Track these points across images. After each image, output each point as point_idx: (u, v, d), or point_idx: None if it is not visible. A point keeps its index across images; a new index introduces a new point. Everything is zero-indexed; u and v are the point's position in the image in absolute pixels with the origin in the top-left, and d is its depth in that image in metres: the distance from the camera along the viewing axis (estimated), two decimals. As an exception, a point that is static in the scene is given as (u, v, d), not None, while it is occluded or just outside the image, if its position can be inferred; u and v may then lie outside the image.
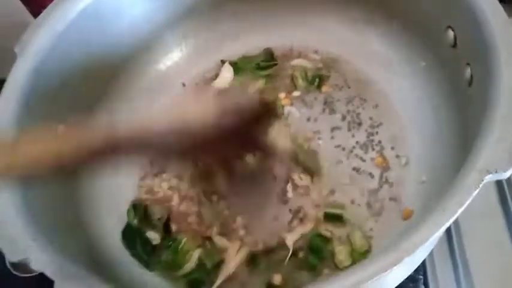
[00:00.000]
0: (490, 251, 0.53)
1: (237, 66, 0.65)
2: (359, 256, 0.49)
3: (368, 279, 0.31)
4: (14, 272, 0.59)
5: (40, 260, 0.39)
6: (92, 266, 0.46)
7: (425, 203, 0.49)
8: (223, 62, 0.65)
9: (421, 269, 0.51)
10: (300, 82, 0.62)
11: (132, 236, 0.53)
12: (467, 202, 0.33)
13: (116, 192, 0.57)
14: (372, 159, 0.55)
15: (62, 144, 0.38)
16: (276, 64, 0.64)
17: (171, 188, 0.57)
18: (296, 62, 0.64)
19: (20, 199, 0.43)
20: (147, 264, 0.52)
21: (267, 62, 0.65)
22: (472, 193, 0.33)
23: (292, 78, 0.63)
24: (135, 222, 0.55)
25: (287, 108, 0.60)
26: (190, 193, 0.56)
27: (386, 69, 0.60)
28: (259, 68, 0.64)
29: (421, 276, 0.51)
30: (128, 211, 0.56)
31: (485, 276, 0.51)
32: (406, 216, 0.50)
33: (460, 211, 0.32)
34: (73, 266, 0.40)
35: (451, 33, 0.49)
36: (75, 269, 0.39)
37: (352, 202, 0.53)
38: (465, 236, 0.54)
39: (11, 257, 0.38)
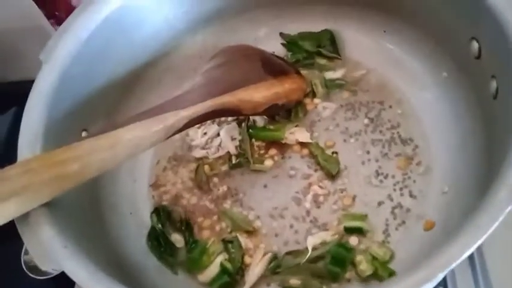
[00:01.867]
0: (510, 259, 0.52)
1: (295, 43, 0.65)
2: (381, 265, 0.49)
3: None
4: (31, 275, 0.60)
5: (72, 267, 0.39)
6: (117, 272, 0.47)
7: (447, 214, 0.50)
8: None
9: (442, 283, 0.51)
10: (320, 89, 0.62)
11: (157, 239, 0.55)
12: (501, 218, 0.33)
13: (134, 199, 0.59)
14: (394, 166, 0.55)
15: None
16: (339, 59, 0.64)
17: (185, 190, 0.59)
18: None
19: (48, 208, 0.43)
20: (172, 267, 0.53)
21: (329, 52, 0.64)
22: (505, 209, 0.33)
23: (312, 85, 0.63)
24: (159, 226, 0.55)
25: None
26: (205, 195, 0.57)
27: (409, 78, 0.60)
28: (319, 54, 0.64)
29: (442, 287, 0.51)
30: (151, 215, 0.57)
31: (506, 285, 0.51)
32: (428, 227, 0.51)
33: (494, 227, 0.32)
34: (103, 272, 0.40)
35: (475, 44, 0.49)
36: (104, 275, 0.40)
37: (372, 209, 0.53)
38: (485, 244, 0.54)
39: (43, 265, 0.38)
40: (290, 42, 0.66)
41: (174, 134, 0.49)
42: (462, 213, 0.47)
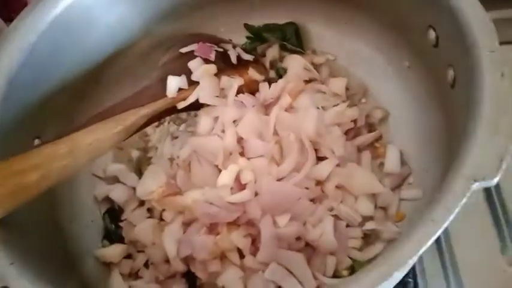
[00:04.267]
0: (478, 251, 0.53)
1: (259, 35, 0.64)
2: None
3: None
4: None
5: (18, 285, 0.37)
6: (73, 283, 0.46)
7: (415, 206, 0.49)
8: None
9: (411, 272, 0.51)
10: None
11: (110, 239, 0.54)
12: (456, 211, 0.32)
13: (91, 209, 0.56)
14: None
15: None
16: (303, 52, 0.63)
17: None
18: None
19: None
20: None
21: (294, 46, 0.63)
22: (460, 202, 0.32)
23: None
24: (111, 225, 0.55)
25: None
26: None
27: (370, 68, 0.60)
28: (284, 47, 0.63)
29: (411, 280, 0.51)
30: (104, 215, 0.56)
31: (475, 276, 0.51)
32: (399, 218, 0.51)
33: (448, 221, 0.32)
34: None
35: (432, 33, 0.48)
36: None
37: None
38: (453, 237, 0.54)
39: (-13, 285, 0.37)
40: (254, 34, 0.65)
41: (134, 133, 0.48)
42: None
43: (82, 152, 0.43)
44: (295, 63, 0.61)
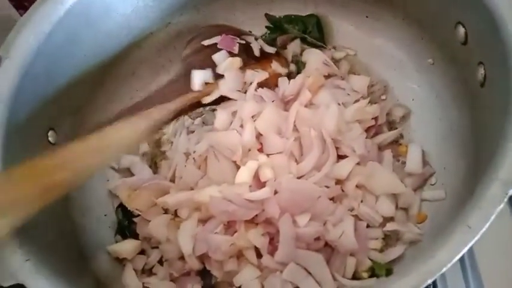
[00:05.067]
0: (500, 262, 0.51)
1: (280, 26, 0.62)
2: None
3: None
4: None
5: (33, 282, 0.36)
6: (86, 279, 0.45)
7: (437, 207, 0.48)
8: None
9: (431, 283, 0.49)
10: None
11: (122, 233, 0.53)
12: (492, 218, 0.31)
13: (108, 200, 0.56)
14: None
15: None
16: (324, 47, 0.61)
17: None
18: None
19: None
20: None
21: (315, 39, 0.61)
22: (497, 208, 0.31)
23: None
24: (125, 220, 0.54)
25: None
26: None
27: (391, 64, 0.58)
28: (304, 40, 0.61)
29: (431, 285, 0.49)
30: (117, 210, 0.55)
31: (497, 285, 0.50)
32: (421, 219, 0.49)
33: (485, 227, 0.30)
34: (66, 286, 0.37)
35: (461, 29, 0.47)
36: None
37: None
38: (477, 252, 0.52)
39: (3, 281, 0.36)
40: (275, 25, 0.63)
41: (160, 128, 0.48)
42: (451, 206, 0.46)
43: (111, 149, 0.43)
44: (314, 58, 0.59)
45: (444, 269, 0.30)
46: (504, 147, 0.34)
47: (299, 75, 0.56)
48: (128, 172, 0.56)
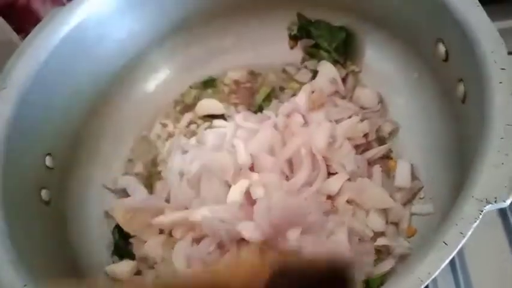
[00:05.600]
0: (491, 265, 0.52)
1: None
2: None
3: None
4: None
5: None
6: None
7: (427, 221, 0.49)
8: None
9: None
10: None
11: (120, 255, 0.54)
12: (468, 234, 0.32)
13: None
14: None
15: None
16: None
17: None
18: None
19: (9, 241, 0.42)
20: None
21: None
22: (473, 225, 0.32)
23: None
24: (121, 241, 0.54)
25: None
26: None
27: (380, 79, 0.59)
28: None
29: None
30: (113, 231, 0.55)
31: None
32: (410, 233, 0.50)
33: (461, 244, 0.31)
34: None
35: (441, 47, 0.48)
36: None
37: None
38: (466, 250, 0.53)
39: (1, 306, 0.37)
40: (303, 27, 0.62)
41: None
42: (440, 220, 0.47)
43: None
44: (325, 73, 0.59)
45: (422, 286, 0.31)
46: (479, 164, 0.35)
47: (300, 92, 0.58)
48: (124, 193, 0.57)
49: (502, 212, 0.54)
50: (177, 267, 0.48)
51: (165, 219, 0.51)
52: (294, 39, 0.64)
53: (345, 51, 0.61)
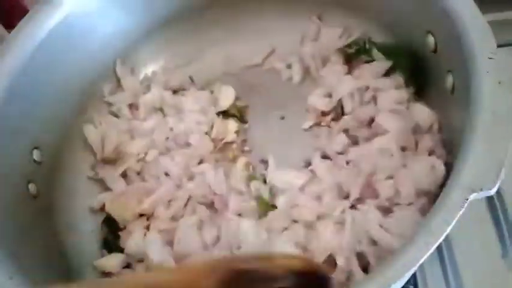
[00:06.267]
0: (480, 257, 0.52)
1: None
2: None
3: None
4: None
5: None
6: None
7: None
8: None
9: (412, 278, 0.51)
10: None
11: (109, 248, 0.53)
12: (454, 222, 0.32)
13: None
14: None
15: None
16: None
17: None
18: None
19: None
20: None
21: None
22: (458, 212, 0.32)
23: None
24: (110, 235, 0.54)
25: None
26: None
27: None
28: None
29: (412, 286, 0.50)
30: (102, 225, 0.55)
31: (475, 282, 0.51)
32: None
33: (446, 232, 0.31)
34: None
35: (431, 38, 0.48)
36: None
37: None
38: (455, 243, 0.53)
39: (-13, 299, 0.37)
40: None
41: None
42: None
43: None
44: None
45: (409, 273, 0.31)
46: (465, 153, 0.35)
47: None
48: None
49: (491, 204, 0.54)
50: (152, 258, 0.48)
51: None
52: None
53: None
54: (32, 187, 0.50)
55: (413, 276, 0.51)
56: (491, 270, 0.51)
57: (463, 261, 0.51)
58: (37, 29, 0.53)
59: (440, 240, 0.31)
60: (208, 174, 0.54)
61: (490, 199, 0.55)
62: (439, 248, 0.53)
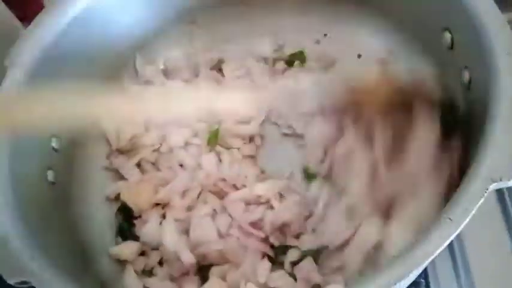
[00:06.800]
0: (490, 251, 0.53)
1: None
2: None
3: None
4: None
5: (39, 279, 0.38)
6: (90, 280, 0.46)
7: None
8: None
9: (423, 272, 0.51)
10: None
11: (124, 236, 0.54)
12: (473, 211, 0.32)
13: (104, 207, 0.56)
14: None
15: None
16: None
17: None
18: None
19: (17, 216, 0.42)
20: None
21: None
22: (478, 202, 0.33)
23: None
24: (125, 223, 0.55)
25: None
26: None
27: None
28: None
29: (423, 280, 0.51)
30: (116, 213, 0.55)
31: (486, 277, 0.51)
32: None
33: (466, 221, 0.32)
34: (74, 284, 0.39)
35: (448, 35, 0.49)
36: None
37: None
38: (465, 237, 0.54)
39: (9, 278, 0.37)
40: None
41: None
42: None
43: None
44: None
45: (428, 261, 0.31)
46: (485, 145, 0.36)
47: None
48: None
49: (501, 198, 0.55)
50: (169, 246, 0.49)
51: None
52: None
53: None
54: (50, 174, 0.51)
55: (424, 270, 0.52)
56: (501, 264, 0.51)
57: (473, 255, 0.52)
58: (57, 20, 0.53)
59: (460, 228, 0.32)
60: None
61: (500, 193, 0.55)
62: (450, 243, 0.54)
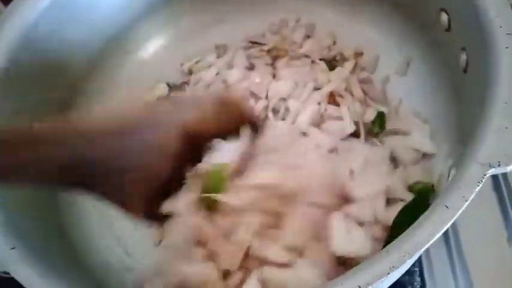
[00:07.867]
0: (484, 239, 0.52)
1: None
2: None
3: (368, 284, 0.29)
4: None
5: (20, 270, 0.36)
6: (75, 270, 0.45)
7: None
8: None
9: (417, 261, 0.50)
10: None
11: None
12: (471, 197, 0.31)
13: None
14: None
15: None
16: None
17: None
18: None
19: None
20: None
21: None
22: (475, 188, 0.31)
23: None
24: None
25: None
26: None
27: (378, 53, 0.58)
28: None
29: (417, 268, 0.50)
30: None
31: (481, 265, 0.50)
32: None
33: (464, 207, 0.31)
34: (56, 273, 0.37)
35: (444, 16, 0.47)
36: (56, 278, 0.37)
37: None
38: (460, 226, 0.53)
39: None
40: None
41: None
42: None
43: None
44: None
45: (424, 248, 0.30)
46: (483, 129, 0.34)
47: None
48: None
49: (497, 187, 0.54)
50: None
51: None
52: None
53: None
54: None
55: (418, 259, 0.51)
56: (497, 253, 0.50)
57: (469, 244, 0.51)
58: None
59: (458, 214, 0.31)
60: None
61: (496, 182, 0.54)
62: (444, 231, 0.53)
